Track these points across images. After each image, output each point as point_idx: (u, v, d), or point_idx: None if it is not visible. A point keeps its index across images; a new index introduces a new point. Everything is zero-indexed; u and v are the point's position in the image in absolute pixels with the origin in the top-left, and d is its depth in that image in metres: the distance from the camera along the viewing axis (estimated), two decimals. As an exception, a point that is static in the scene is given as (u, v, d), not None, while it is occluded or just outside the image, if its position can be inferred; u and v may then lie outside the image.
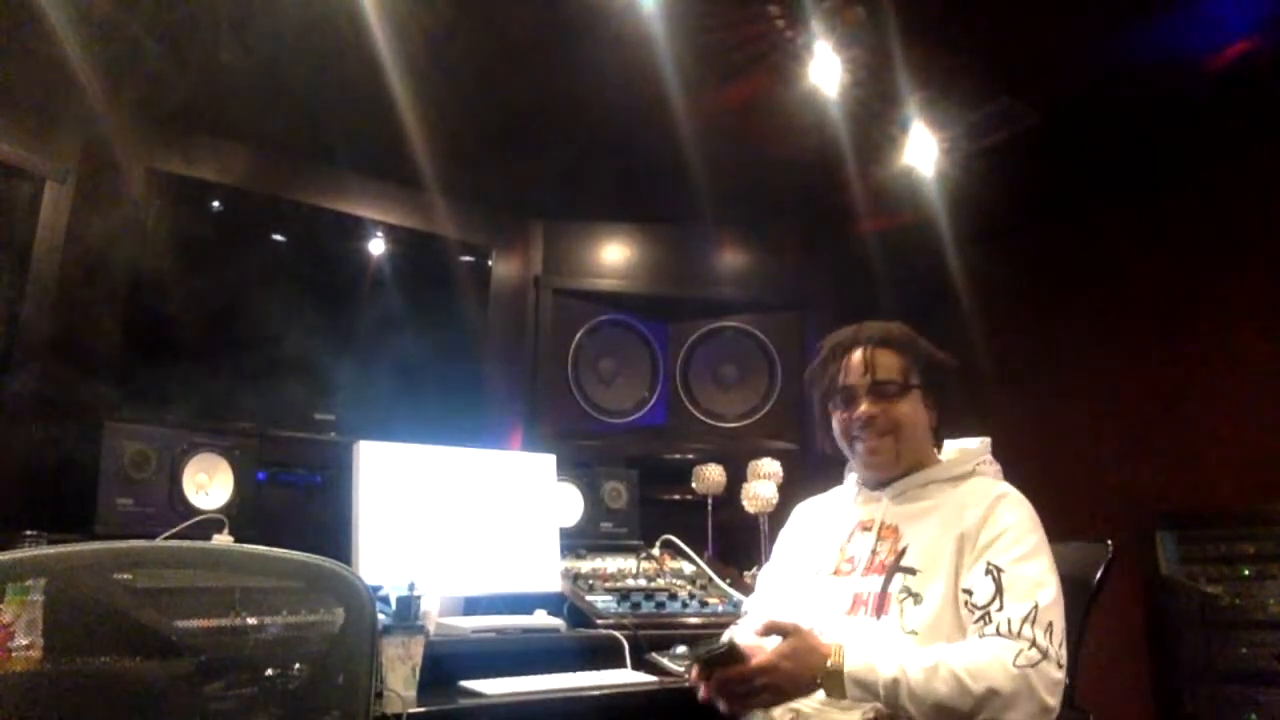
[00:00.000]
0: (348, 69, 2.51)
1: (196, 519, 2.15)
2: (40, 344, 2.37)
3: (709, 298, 3.52)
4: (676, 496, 3.17)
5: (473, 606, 2.17)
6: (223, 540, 2.07)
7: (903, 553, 1.52)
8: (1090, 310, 3.58)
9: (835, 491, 1.81)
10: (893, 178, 3.18)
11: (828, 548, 1.64)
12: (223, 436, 2.34)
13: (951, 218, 3.40)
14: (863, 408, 1.60)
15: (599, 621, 2.08)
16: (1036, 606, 1.36)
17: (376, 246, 3.08)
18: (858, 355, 1.64)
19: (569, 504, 2.65)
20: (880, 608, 1.48)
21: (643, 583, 2.33)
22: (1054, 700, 1.30)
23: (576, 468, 2.75)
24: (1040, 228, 3.73)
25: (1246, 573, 2.79)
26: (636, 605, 2.18)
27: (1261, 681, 2.69)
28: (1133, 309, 3.45)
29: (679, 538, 2.51)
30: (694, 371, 3.48)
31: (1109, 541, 1.65)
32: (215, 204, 2.80)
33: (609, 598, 2.20)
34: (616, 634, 1.99)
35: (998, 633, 1.35)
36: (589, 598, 2.18)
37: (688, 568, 2.47)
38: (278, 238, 2.90)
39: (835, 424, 1.66)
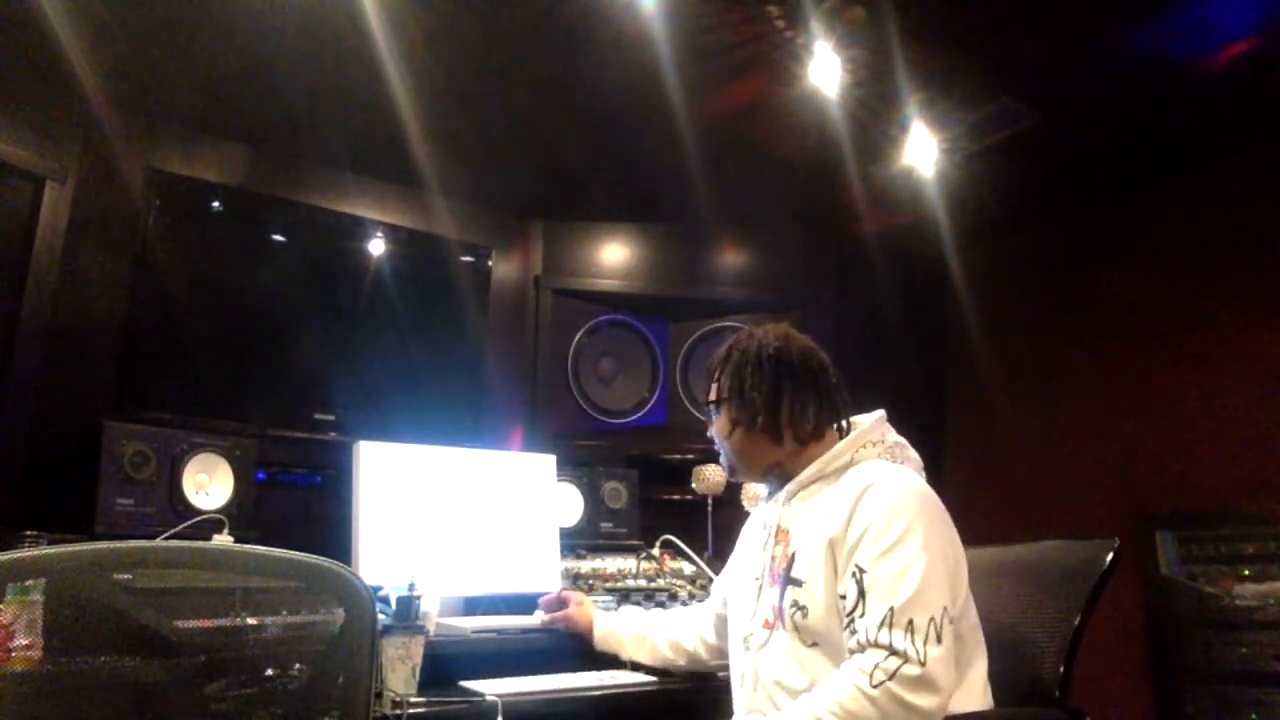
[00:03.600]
0: (348, 69, 2.51)
1: (196, 519, 2.15)
2: (40, 344, 2.37)
3: (709, 298, 3.52)
4: (676, 496, 3.17)
5: (473, 606, 2.17)
6: (223, 540, 2.07)
7: (792, 560, 1.50)
8: (1089, 310, 3.58)
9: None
10: (893, 178, 3.18)
11: (754, 555, 1.63)
12: (223, 436, 2.35)
13: (951, 218, 3.40)
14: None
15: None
16: (892, 609, 1.32)
17: (376, 246, 3.08)
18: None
19: (569, 504, 2.65)
20: (782, 622, 1.47)
21: (643, 583, 2.33)
22: (923, 698, 1.28)
23: (576, 468, 2.75)
24: (1040, 228, 3.73)
25: (1246, 573, 2.79)
26: (636, 605, 2.18)
27: (1261, 681, 2.69)
28: (1132, 308, 3.44)
29: (679, 538, 2.51)
30: (694, 371, 3.48)
31: (1116, 539, 1.60)
32: (215, 204, 2.80)
33: (609, 598, 2.20)
34: (616, 634, 1.98)
35: (859, 644, 1.33)
36: (589, 598, 2.18)
37: (688, 568, 2.47)
38: (278, 238, 2.90)
39: None
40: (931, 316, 4.02)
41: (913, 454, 1.59)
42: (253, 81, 2.58)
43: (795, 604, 1.45)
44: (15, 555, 0.97)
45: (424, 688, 1.64)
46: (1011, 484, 3.55)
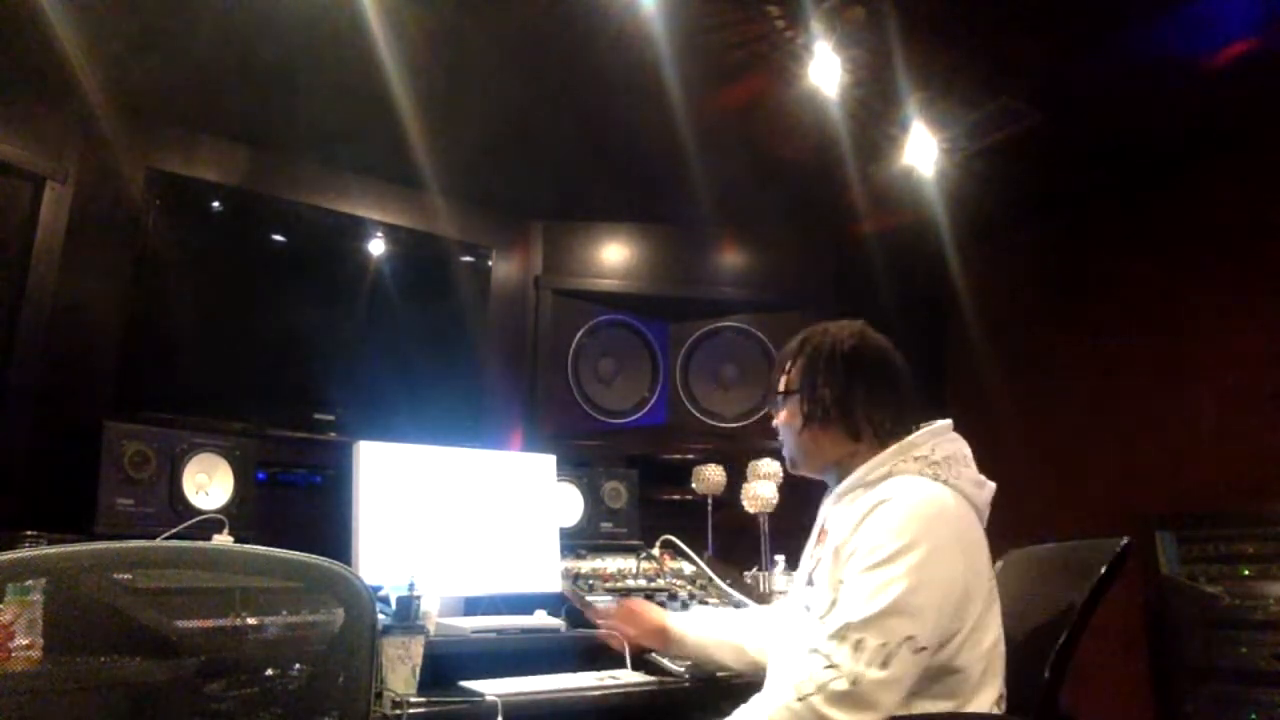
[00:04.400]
0: (348, 69, 2.51)
1: (196, 519, 2.15)
2: (40, 344, 2.37)
3: (709, 298, 3.52)
4: (676, 496, 3.17)
5: (473, 606, 2.17)
6: (223, 540, 2.07)
7: (819, 562, 1.50)
8: (1089, 309, 3.58)
9: None
10: (893, 178, 3.18)
11: (808, 549, 1.64)
12: (223, 436, 2.35)
13: (951, 218, 3.40)
14: (773, 419, 1.70)
15: (599, 622, 2.08)
16: (848, 624, 1.31)
17: (376, 246, 3.08)
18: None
19: (569, 504, 2.65)
20: (803, 621, 1.48)
21: (643, 583, 2.33)
22: (845, 714, 1.26)
23: (576, 468, 2.75)
24: (1040, 228, 3.73)
25: (1246, 573, 2.79)
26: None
27: (1261, 681, 2.69)
28: (1132, 308, 3.44)
29: (679, 538, 2.51)
30: (694, 371, 3.48)
31: (1125, 538, 1.56)
32: (215, 204, 2.80)
33: (609, 598, 2.20)
34: (617, 634, 1.98)
35: (809, 649, 1.34)
36: (589, 598, 2.18)
37: (688, 568, 2.47)
38: (278, 238, 2.90)
39: None
40: (931, 316, 4.02)
41: (967, 471, 1.52)
42: (253, 81, 2.59)
43: (807, 606, 1.46)
44: (15, 555, 0.97)
45: (424, 688, 1.64)
46: (1011, 484, 3.53)
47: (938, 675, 1.36)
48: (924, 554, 1.34)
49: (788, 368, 1.65)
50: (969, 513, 1.47)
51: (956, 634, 1.36)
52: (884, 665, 1.28)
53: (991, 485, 1.55)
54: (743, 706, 1.36)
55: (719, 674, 1.80)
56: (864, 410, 1.56)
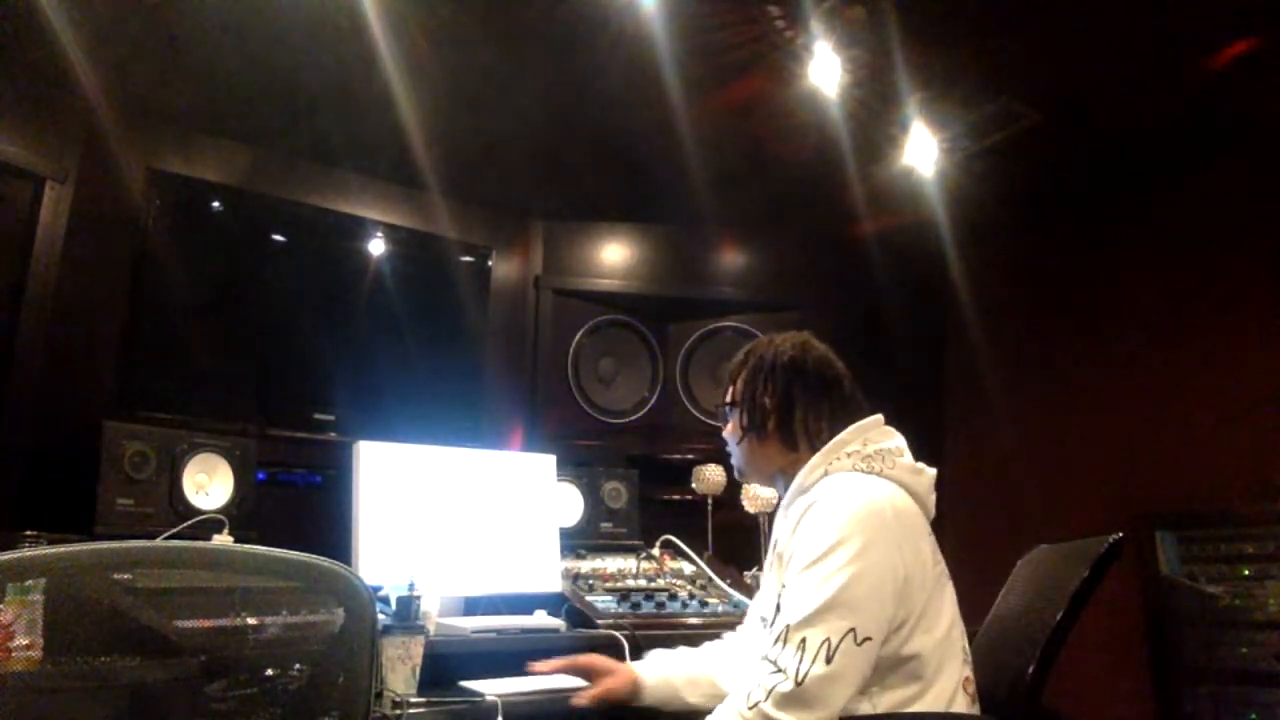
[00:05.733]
0: (348, 69, 2.51)
1: (196, 519, 2.15)
2: (40, 344, 2.37)
3: (709, 298, 3.52)
4: (676, 496, 3.17)
5: (473, 606, 2.17)
6: (223, 540, 2.07)
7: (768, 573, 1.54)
8: (1089, 309, 3.58)
9: None
10: (893, 178, 3.18)
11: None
12: (223, 436, 2.34)
13: (951, 218, 3.40)
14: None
15: (599, 622, 2.08)
16: (789, 626, 1.33)
17: (376, 246, 3.08)
18: None
19: (569, 504, 2.65)
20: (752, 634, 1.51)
21: (643, 583, 2.33)
22: (792, 714, 1.27)
23: (576, 468, 2.75)
24: (1040, 228, 3.73)
25: (1246, 573, 2.79)
26: (636, 605, 2.18)
27: (1261, 681, 2.69)
28: (1132, 308, 3.45)
29: (679, 538, 2.51)
30: (694, 371, 3.47)
31: (1112, 536, 1.55)
32: (215, 204, 2.80)
33: (609, 598, 2.20)
34: (616, 634, 1.98)
35: (760, 656, 1.36)
36: (589, 598, 2.18)
37: (688, 568, 2.47)
38: (278, 238, 2.90)
39: None
40: (931, 316, 4.02)
41: (902, 461, 1.51)
42: (253, 81, 2.59)
43: (759, 616, 1.51)
44: (15, 555, 0.97)
45: (424, 688, 1.64)
46: (1011, 484, 3.55)
47: (894, 664, 1.37)
48: (858, 547, 1.35)
49: (732, 379, 1.69)
50: (906, 501, 1.47)
51: (905, 622, 1.37)
52: (828, 661, 1.29)
53: (931, 471, 1.55)
54: None
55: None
56: (801, 419, 1.58)
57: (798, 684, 1.28)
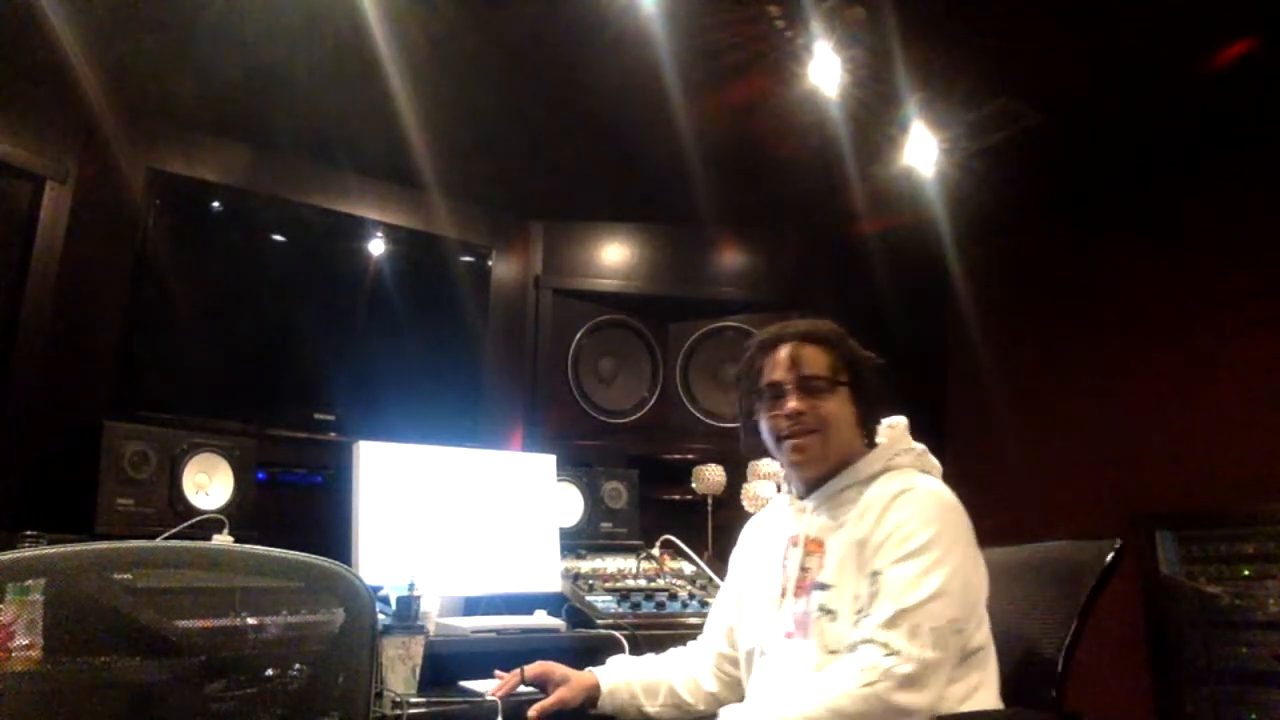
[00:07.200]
0: (348, 69, 2.51)
1: (196, 519, 2.15)
2: (40, 344, 2.37)
3: (709, 298, 3.52)
4: (676, 496, 3.17)
5: (473, 606, 2.17)
6: (223, 540, 2.07)
7: (822, 569, 1.48)
8: (1090, 310, 3.57)
9: (775, 504, 1.75)
10: (893, 178, 3.17)
11: (770, 568, 1.59)
12: (223, 436, 2.35)
13: (951, 218, 3.40)
14: (791, 403, 1.54)
15: (599, 621, 2.08)
16: (900, 610, 1.33)
17: (376, 246, 3.08)
18: (784, 351, 1.58)
19: (569, 504, 2.65)
20: (805, 629, 1.44)
21: (643, 583, 2.33)
22: (911, 696, 1.28)
23: (576, 468, 2.76)
24: (1040, 228, 3.73)
25: (1246, 573, 2.79)
26: (636, 605, 2.18)
27: (1261, 681, 2.68)
28: (1132, 308, 3.44)
29: (679, 538, 2.51)
30: (694, 371, 3.48)
31: (1118, 540, 1.55)
32: (215, 204, 2.80)
33: (609, 598, 2.20)
34: (616, 634, 1.99)
35: (859, 640, 1.34)
36: (589, 598, 2.18)
37: (688, 568, 2.47)
38: (278, 238, 2.90)
39: (764, 424, 1.60)
40: (931, 316, 4.01)
41: (935, 461, 1.58)
42: (253, 81, 2.58)
43: (823, 609, 1.43)
44: (15, 555, 0.97)
45: (424, 688, 1.64)
46: (1011, 484, 3.55)
47: (965, 655, 1.40)
48: (952, 541, 1.40)
49: (836, 357, 1.57)
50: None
51: (974, 615, 1.42)
52: (937, 648, 1.31)
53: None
54: (782, 697, 1.35)
55: None
56: (877, 408, 1.59)
57: (917, 668, 1.29)
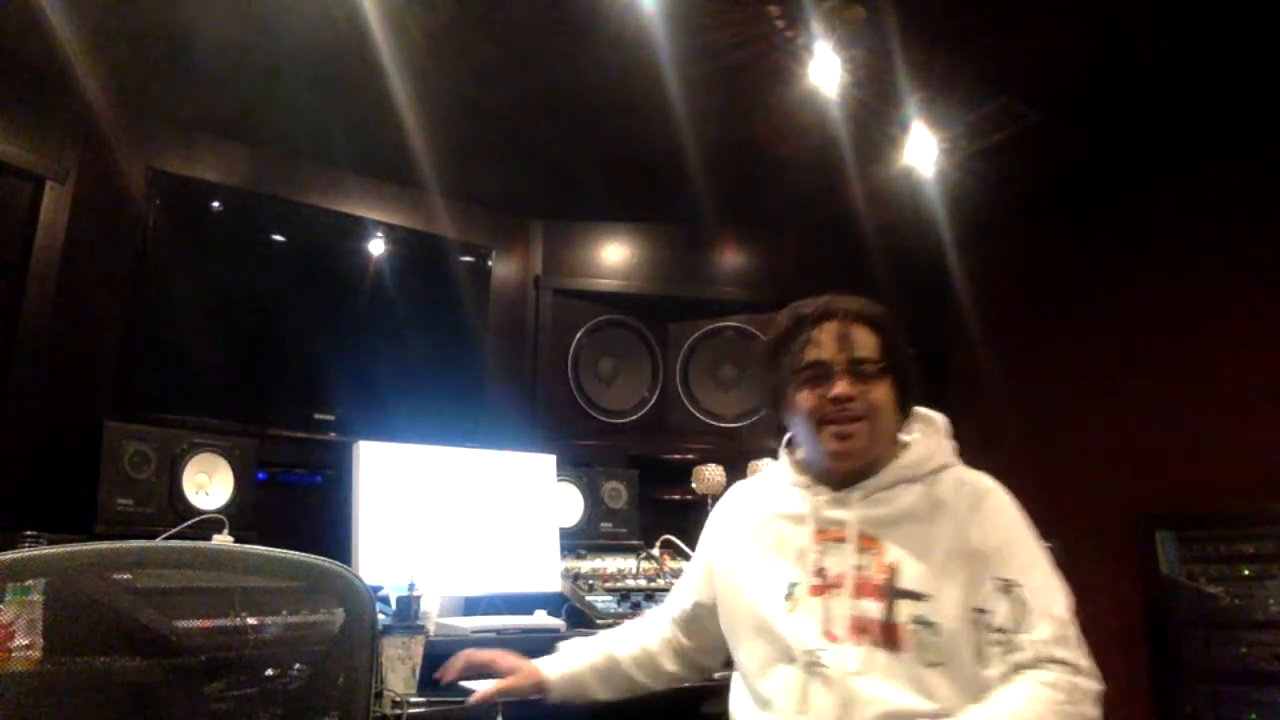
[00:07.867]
0: (348, 69, 2.51)
1: (196, 519, 2.15)
2: (40, 344, 2.37)
3: (709, 298, 3.52)
4: (676, 496, 3.17)
5: (473, 606, 2.17)
6: (223, 540, 2.07)
7: (894, 572, 1.35)
8: (1090, 310, 3.57)
9: (767, 481, 1.60)
10: (893, 178, 3.17)
11: (786, 556, 1.45)
12: (223, 436, 2.35)
13: (951, 218, 3.39)
14: (840, 387, 1.40)
15: (599, 621, 2.08)
16: (1061, 621, 1.28)
17: (376, 246, 3.08)
18: (832, 328, 1.45)
19: (569, 504, 2.65)
20: (892, 640, 1.31)
21: (643, 583, 2.33)
22: (1097, 711, 1.27)
23: (576, 468, 2.76)
24: (1040, 228, 3.73)
25: (1246, 573, 2.79)
26: (636, 605, 2.18)
27: (1261, 681, 2.68)
28: (1132, 308, 3.44)
29: (679, 538, 2.51)
30: (694, 371, 3.48)
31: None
32: (215, 204, 2.80)
33: (609, 598, 2.20)
34: (616, 634, 1.98)
35: (1033, 660, 1.26)
36: (589, 598, 2.18)
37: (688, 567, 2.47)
38: (278, 238, 2.90)
39: (803, 403, 1.44)
40: (932, 316, 4.01)
41: None
42: (252, 82, 2.58)
43: (919, 620, 1.31)
44: (15, 555, 0.97)
45: (424, 688, 1.64)
46: (1011, 484, 3.55)
47: None
48: (1036, 537, 1.38)
49: (885, 340, 1.46)
50: None
51: None
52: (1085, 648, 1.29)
53: None
54: (994, 705, 1.26)
55: (716, 676, 1.74)
56: (909, 407, 1.49)
57: (1097, 677, 1.28)
